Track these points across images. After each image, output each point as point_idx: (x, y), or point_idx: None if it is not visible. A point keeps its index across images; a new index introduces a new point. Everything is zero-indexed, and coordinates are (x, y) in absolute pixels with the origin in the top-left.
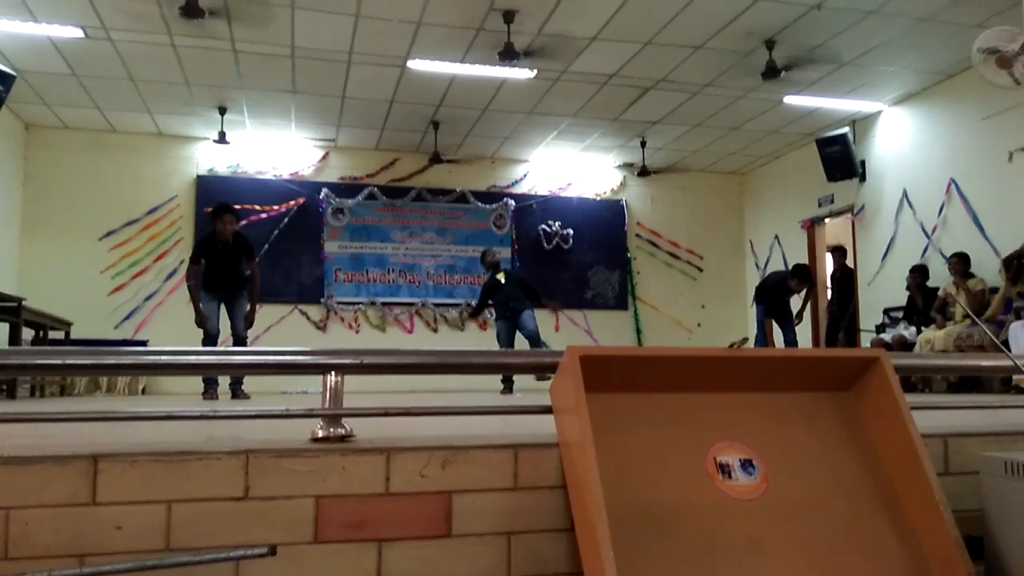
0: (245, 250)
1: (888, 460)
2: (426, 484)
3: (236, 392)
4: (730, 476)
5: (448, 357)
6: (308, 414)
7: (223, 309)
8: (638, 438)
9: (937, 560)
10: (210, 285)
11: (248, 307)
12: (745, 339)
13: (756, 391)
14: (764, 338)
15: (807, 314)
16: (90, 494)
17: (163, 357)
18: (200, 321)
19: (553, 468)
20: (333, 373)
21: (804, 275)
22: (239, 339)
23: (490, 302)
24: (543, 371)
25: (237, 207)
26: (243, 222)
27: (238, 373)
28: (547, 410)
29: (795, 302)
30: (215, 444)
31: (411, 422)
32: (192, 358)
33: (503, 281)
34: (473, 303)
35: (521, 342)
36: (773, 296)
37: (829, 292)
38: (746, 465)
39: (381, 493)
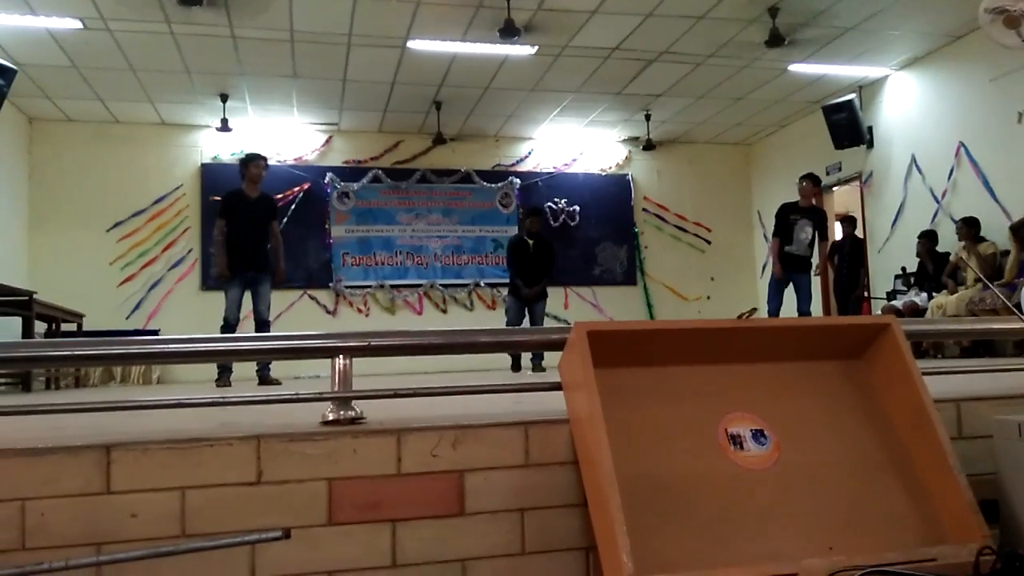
0: (271, 208)
1: (901, 426)
2: (438, 463)
3: (264, 378)
4: (742, 447)
5: (454, 337)
6: (318, 397)
7: (246, 296)
8: (648, 412)
9: (952, 524)
10: (234, 259)
11: (270, 289)
12: (754, 309)
13: (766, 361)
14: (776, 300)
15: (815, 289)
16: (104, 483)
17: (171, 345)
18: (222, 271)
19: (564, 444)
20: (341, 356)
21: (815, 178)
22: (262, 322)
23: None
24: (550, 348)
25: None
26: None
27: (248, 359)
28: (556, 387)
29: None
30: (226, 430)
31: (421, 402)
32: (201, 346)
33: (532, 252)
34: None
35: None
36: (783, 216)
37: (837, 259)
38: (757, 435)
39: (393, 474)
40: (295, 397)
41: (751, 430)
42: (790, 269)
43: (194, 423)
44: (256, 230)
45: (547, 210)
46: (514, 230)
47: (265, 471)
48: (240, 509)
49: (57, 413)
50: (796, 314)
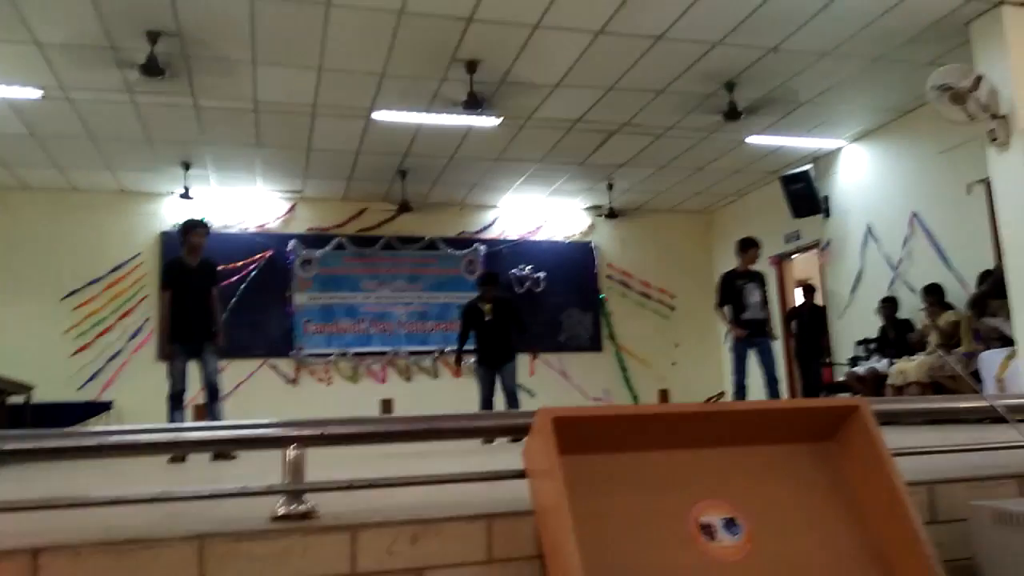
0: (211, 274)
1: (873, 511)
2: (395, 561)
3: (218, 452)
4: (713, 537)
5: (415, 424)
6: (267, 491)
7: (192, 365)
8: (617, 500)
9: None
10: (178, 330)
11: (217, 356)
12: (721, 393)
13: (736, 445)
14: (741, 369)
15: (780, 357)
16: None
17: (110, 438)
18: (165, 352)
19: (528, 537)
20: (294, 446)
21: (749, 242)
22: (213, 388)
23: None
24: (515, 433)
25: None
26: None
27: (193, 451)
28: (521, 474)
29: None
30: (166, 529)
31: (378, 491)
32: (143, 437)
33: (489, 317)
34: (450, 349)
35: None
36: (729, 284)
37: (794, 325)
38: (729, 524)
39: (347, 573)
40: (243, 492)
41: (723, 519)
42: (752, 335)
43: (135, 517)
44: (198, 298)
45: (511, 276)
46: None
47: (208, 575)
48: None
49: None
50: (764, 382)
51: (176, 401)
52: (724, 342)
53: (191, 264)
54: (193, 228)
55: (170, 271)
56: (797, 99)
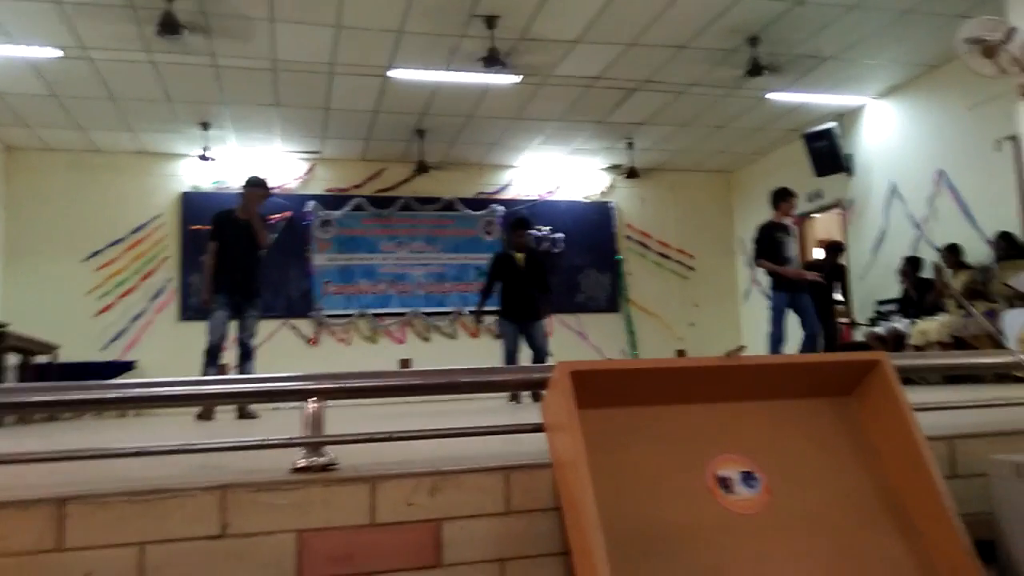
0: (261, 228)
1: (893, 466)
2: (414, 512)
3: (242, 411)
4: (731, 490)
5: (432, 377)
6: (288, 443)
7: (232, 321)
8: (634, 454)
9: (947, 567)
10: (222, 282)
11: (257, 317)
12: (741, 347)
13: (754, 399)
14: (779, 321)
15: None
16: (57, 539)
17: (132, 390)
18: (207, 300)
19: (547, 489)
20: (314, 399)
21: (785, 192)
22: (246, 350)
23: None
24: (532, 388)
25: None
26: None
27: (213, 403)
28: (539, 428)
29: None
30: (190, 480)
31: (397, 445)
32: (164, 390)
33: (522, 267)
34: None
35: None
36: (768, 235)
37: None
38: (747, 478)
39: (367, 524)
40: (263, 443)
41: (740, 472)
42: (791, 290)
43: (158, 470)
44: (245, 254)
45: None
46: None
47: (230, 523)
48: (204, 565)
49: (7, 464)
50: (801, 339)
51: (212, 356)
52: (745, 302)
53: (242, 218)
54: (254, 185)
55: (218, 222)
56: (822, 54)
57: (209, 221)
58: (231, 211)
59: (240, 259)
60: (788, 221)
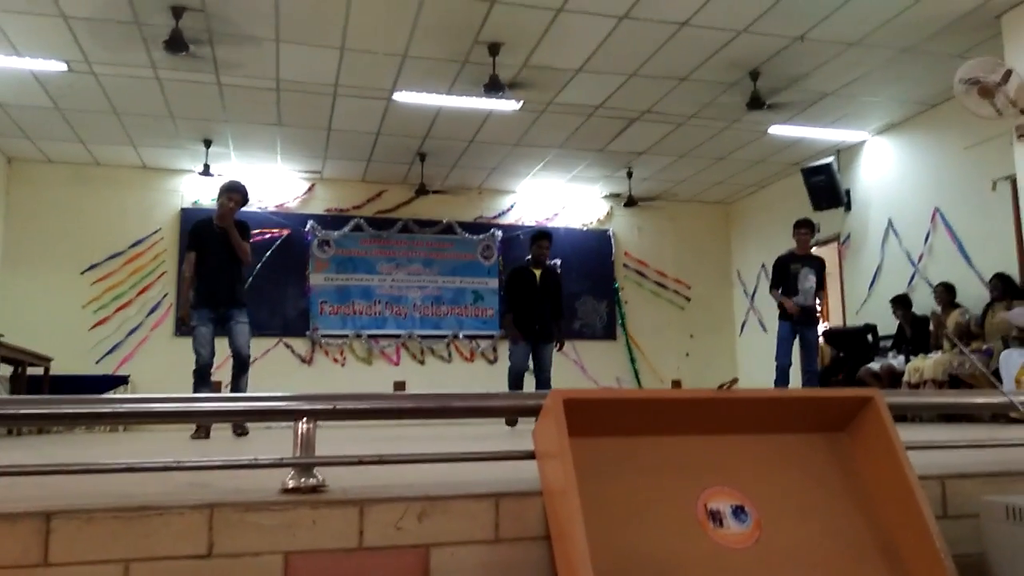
0: (243, 235)
1: (884, 504)
2: (402, 537)
3: (235, 428)
4: (721, 524)
5: (425, 401)
6: (277, 464)
7: (218, 335)
8: (625, 485)
9: None
10: (202, 294)
11: (246, 324)
12: (735, 380)
13: (747, 433)
14: (785, 352)
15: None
16: (42, 554)
17: (124, 406)
18: (185, 316)
19: (536, 518)
20: (305, 419)
21: (799, 223)
22: (241, 360)
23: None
24: (525, 414)
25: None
26: None
27: (205, 421)
28: (530, 455)
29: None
30: (177, 497)
31: (387, 468)
32: (156, 406)
33: (540, 284)
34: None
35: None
36: (783, 267)
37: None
38: (738, 512)
39: (355, 547)
40: (253, 463)
41: (731, 506)
42: (798, 322)
43: (146, 486)
44: (226, 262)
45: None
46: (494, 282)
47: (217, 543)
48: None
49: None
50: (801, 373)
51: (201, 376)
52: (740, 335)
53: (219, 227)
54: (227, 190)
55: (196, 232)
56: (822, 89)
57: (189, 231)
58: (209, 220)
59: (219, 270)
60: (812, 252)
